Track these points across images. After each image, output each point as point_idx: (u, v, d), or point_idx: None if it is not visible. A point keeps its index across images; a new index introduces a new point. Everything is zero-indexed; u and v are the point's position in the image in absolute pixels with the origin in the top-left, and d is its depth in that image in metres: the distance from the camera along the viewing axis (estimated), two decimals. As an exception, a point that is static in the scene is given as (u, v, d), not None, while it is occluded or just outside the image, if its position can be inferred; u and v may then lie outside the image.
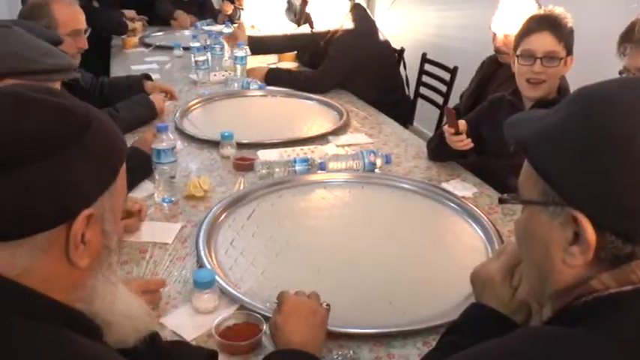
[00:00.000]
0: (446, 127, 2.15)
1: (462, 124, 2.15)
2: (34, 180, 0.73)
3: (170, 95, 2.95)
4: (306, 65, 3.76)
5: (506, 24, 2.60)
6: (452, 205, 1.91)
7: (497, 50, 2.69)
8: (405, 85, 3.66)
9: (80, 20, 2.56)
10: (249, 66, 3.47)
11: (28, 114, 0.75)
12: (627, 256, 0.73)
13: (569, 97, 0.81)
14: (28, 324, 0.73)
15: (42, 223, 0.75)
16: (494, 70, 2.78)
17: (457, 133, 2.11)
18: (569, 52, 2.06)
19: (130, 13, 4.68)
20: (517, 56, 2.08)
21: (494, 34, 2.68)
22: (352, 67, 3.26)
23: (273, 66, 3.54)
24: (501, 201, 0.91)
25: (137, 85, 2.95)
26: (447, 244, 1.75)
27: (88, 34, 2.60)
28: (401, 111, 3.34)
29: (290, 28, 4.24)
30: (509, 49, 2.59)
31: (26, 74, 1.48)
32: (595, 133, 0.73)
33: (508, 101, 2.21)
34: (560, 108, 0.80)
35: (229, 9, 5.10)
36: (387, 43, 3.52)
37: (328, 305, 1.28)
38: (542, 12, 2.11)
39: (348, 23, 3.33)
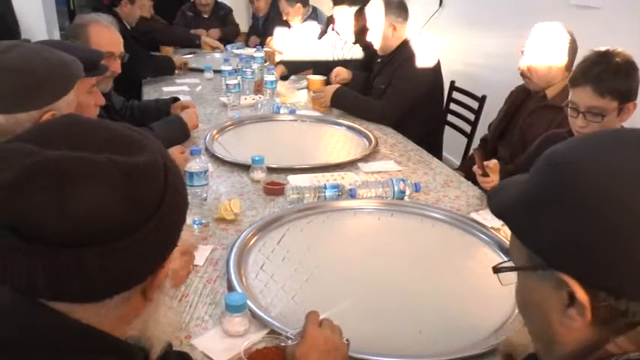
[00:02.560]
0: (475, 168, 2.16)
1: (494, 163, 2.15)
2: (134, 248, 0.74)
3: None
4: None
5: (533, 54, 2.58)
6: (481, 235, 1.91)
7: (521, 73, 2.67)
8: (442, 118, 3.68)
9: (114, 44, 2.62)
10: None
11: (125, 185, 0.73)
12: (623, 313, 0.72)
13: (540, 161, 0.82)
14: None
15: (137, 282, 0.79)
16: (523, 99, 2.78)
17: (485, 174, 2.12)
18: (624, 99, 1.91)
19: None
20: (565, 106, 2.03)
21: (522, 57, 2.65)
22: (415, 100, 3.20)
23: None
24: (495, 270, 0.90)
25: (165, 108, 3.03)
26: (476, 274, 1.74)
27: (125, 59, 2.66)
28: (431, 141, 3.33)
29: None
30: (532, 74, 2.59)
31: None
32: (565, 195, 0.74)
33: (565, 139, 2.14)
34: (534, 172, 0.81)
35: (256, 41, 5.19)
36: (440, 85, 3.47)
37: (348, 341, 1.27)
38: (591, 57, 1.96)
39: (413, 51, 3.25)
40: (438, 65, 3.32)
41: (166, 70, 4.17)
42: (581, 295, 0.72)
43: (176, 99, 3.13)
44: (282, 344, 1.29)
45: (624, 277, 0.70)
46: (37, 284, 0.72)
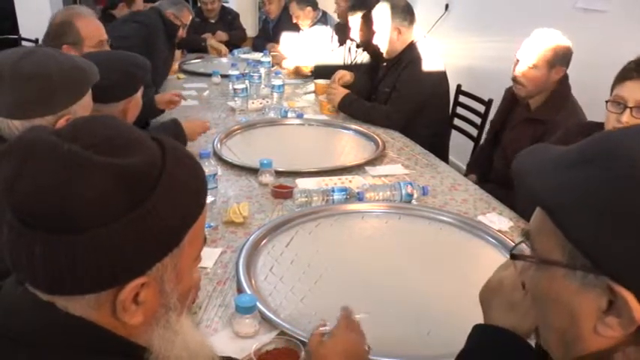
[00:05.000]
0: None
1: None
2: (83, 246, 0.71)
3: (179, 98, 3.15)
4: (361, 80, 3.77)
5: (529, 54, 2.57)
6: (488, 238, 1.92)
7: (513, 78, 2.66)
8: (448, 122, 3.70)
9: (102, 31, 2.63)
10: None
11: (87, 180, 0.71)
12: None
13: (599, 149, 0.71)
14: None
15: (87, 287, 0.74)
16: (511, 107, 2.80)
17: None
18: None
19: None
20: (608, 101, 1.94)
21: (516, 61, 2.63)
22: (420, 104, 3.23)
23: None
24: (514, 257, 0.81)
25: (150, 102, 3.01)
26: (484, 277, 1.75)
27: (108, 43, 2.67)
28: (437, 144, 3.33)
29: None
30: (525, 79, 2.59)
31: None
32: None
33: (587, 134, 2.10)
34: (588, 160, 0.71)
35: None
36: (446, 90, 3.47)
37: (369, 347, 1.29)
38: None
39: (417, 54, 3.28)
40: (444, 69, 3.34)
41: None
42: (637, 312, 0.65)
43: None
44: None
45: None
46: (8, 259, 0.75)
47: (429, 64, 3.25)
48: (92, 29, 2.56)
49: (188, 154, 0.84)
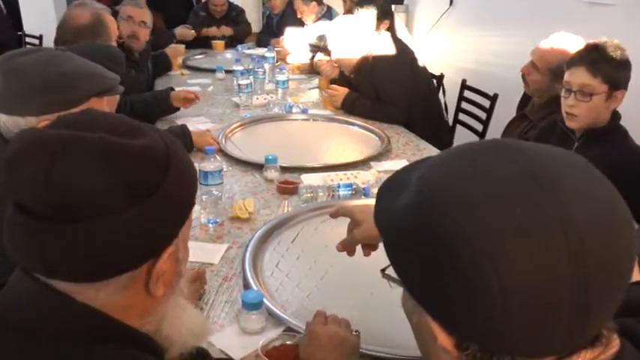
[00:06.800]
0: None
1: None
2: (121, 228, 0.73)
3: (195, 96, 3.14)
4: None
5: (535, 56, 2.57)
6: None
7: (522, 75, 2.66)
8: (444, 111, 3.68)
9: (82, 19, 2.71)
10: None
11: (114, 163, 0.73)
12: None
13: (416, 182, 0.69)
14: (107, 348, 0.77)
15: (128, 266, 0.77)
16: (529, 98, 2.78)
17: None
18: (614, 86, 2.02)
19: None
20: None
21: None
22: (409, 92, 3.23)
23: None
24: (383, 272, 0.84)
25: (164, 99, 3.07)
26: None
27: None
28: (441, 139, 3.33)
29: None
30: (528, 79, 2.58)
31: (102, 93, 1.52)
32: (430, 240, 0.64)
33: (559, 128, 2.21)
34: (408, 191, 0.69)
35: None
36: (423, 69, 3.49)
37: (357, 332, 1.28)
38: (590, 44, 2.08)
39: (380, 51, 3.28)
40: (413, 56, 3.37)
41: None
42: (443, 339, 0.65)
43: (172, 88, 3.18)
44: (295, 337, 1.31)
45: (490, 337, 0.62)
46: (34, 259, 0.74)
47: (394, 57, 3.27)
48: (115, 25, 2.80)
49: (174, 137, 0.88)
